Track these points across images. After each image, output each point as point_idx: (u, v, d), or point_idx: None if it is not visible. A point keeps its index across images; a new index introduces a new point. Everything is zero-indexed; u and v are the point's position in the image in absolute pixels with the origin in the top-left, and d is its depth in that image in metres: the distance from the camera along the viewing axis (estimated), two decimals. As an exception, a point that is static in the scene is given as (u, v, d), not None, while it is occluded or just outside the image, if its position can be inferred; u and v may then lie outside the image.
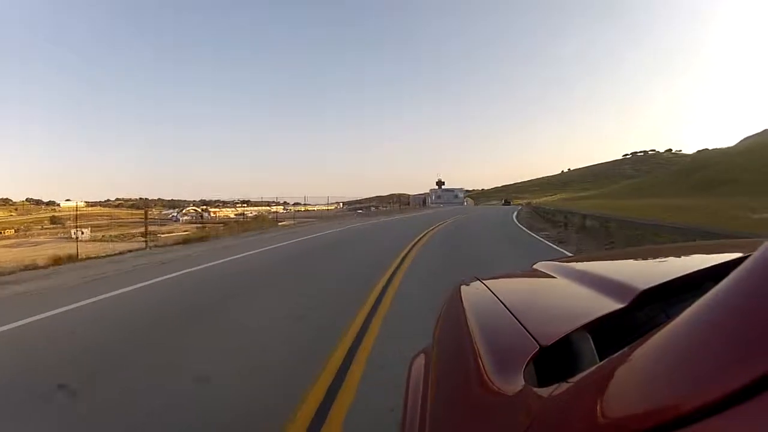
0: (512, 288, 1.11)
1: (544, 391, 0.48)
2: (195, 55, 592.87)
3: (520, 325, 0.69)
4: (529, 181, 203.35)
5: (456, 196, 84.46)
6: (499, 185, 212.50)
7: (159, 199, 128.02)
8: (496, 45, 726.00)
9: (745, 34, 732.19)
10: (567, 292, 0.87)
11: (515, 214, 27.69)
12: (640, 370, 0.37)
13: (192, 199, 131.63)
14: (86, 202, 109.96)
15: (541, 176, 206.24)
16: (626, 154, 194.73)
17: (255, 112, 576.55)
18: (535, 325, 0.68)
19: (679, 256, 1.07)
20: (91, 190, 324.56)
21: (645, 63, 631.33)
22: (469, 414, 0.62)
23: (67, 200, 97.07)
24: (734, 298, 0.33)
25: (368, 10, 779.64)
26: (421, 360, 0.97)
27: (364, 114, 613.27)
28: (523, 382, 0.54)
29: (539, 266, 1.14)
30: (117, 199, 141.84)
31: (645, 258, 1.21)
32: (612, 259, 1.30)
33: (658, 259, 1.14)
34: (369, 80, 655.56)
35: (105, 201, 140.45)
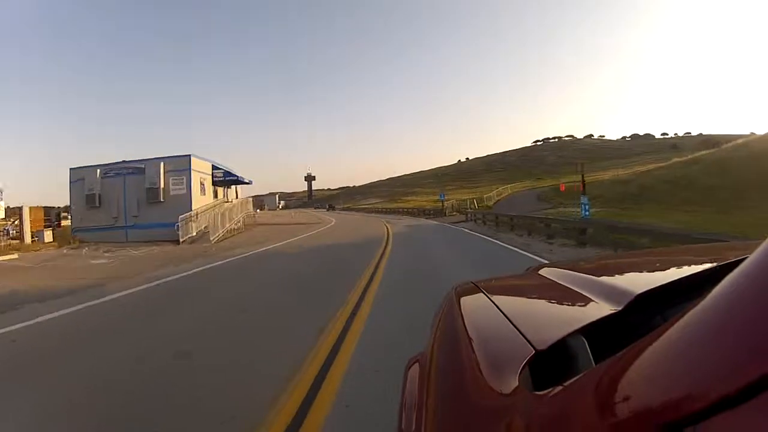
0: (508, 292, 1.09)
1: (540, 395, 0.48)
2: None
3: (515, 330, 0.69)
4: (418, 173, 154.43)
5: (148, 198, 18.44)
6: (383, 178, 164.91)
7: None
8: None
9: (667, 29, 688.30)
10: (563, 296, 0.87)
11: None
12: (635, 373, 0.37)
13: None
14: None
15: (434, 167, 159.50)
16: (537, 141, 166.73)
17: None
18: (530, 330, 0.68)
19: (676, 260, 1.07)
20: None
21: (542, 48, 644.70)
22: (465, 418, 0.63)
23: None
24: (731, 300, 0.33)
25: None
26: (416, 365, 0.96)
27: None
28: (519, 386, 0.54)
29: (534, 270, 1.14)
30: None
31: (642, 262, 1.18)
32: (608, 264, 1.25)
33: (655, 263, 1.13)
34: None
35: None
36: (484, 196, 35.41)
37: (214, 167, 21.73)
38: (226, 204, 20.87)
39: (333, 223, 27.36)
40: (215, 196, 22.20)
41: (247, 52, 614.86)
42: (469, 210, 27.69)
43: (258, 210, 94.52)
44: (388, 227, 20.45)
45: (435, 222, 24.19)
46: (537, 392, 0.50)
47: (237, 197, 25.97)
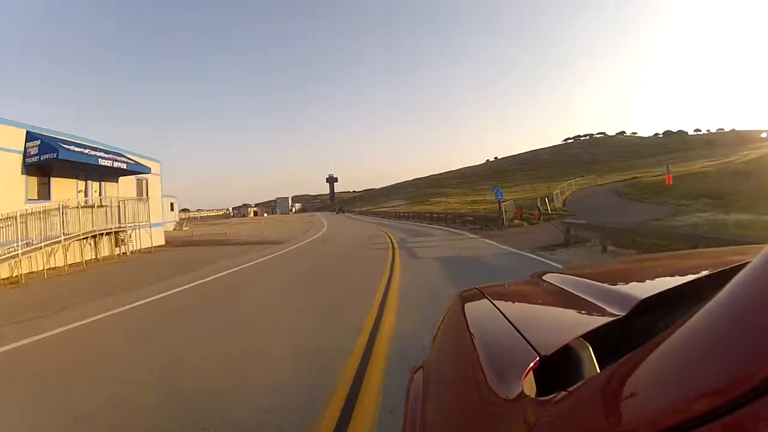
0: (512, 298, 1.08)
1: (544, 401, 0.48)
2: None
3: (519, 336, 0.69)
4: (446, 172, 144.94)
5: None
6: (409, 179, 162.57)
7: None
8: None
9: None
10: (566, 302, 0.86)
11: None
12: (638, 378, 0.37)
13: None
14: None
15: (463, 166, 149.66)
16: (568, 138, 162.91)
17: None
18: (534, 335, 0.67)
19: (679, 265, 1.06)
20: None
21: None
22: (468, 424, 0.62)
23: None
24: (734, 304, 0.33)
25: None
26: (420, 372, 0.94)
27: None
28: (523, 392, 0.54)
29: (538, 276, 1.13)
30: None
31: (645, 267, 1.18)
32: (611, 269, 1.26)
33: (657, 268, 1.11)
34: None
35: None
36: (553, 193, 23.58)
37: (30, 136, 10.71)
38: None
39: (306, 242, 16.22)
40: (41, 194, 11.08)
41: (266, 52, 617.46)
42: (569, 217, 15.17)
43: (266, 215, 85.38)
44: (396, 264, 8.85)
45: (503, 247, 10.72)
46: (541, 398, 0.49)
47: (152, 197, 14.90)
